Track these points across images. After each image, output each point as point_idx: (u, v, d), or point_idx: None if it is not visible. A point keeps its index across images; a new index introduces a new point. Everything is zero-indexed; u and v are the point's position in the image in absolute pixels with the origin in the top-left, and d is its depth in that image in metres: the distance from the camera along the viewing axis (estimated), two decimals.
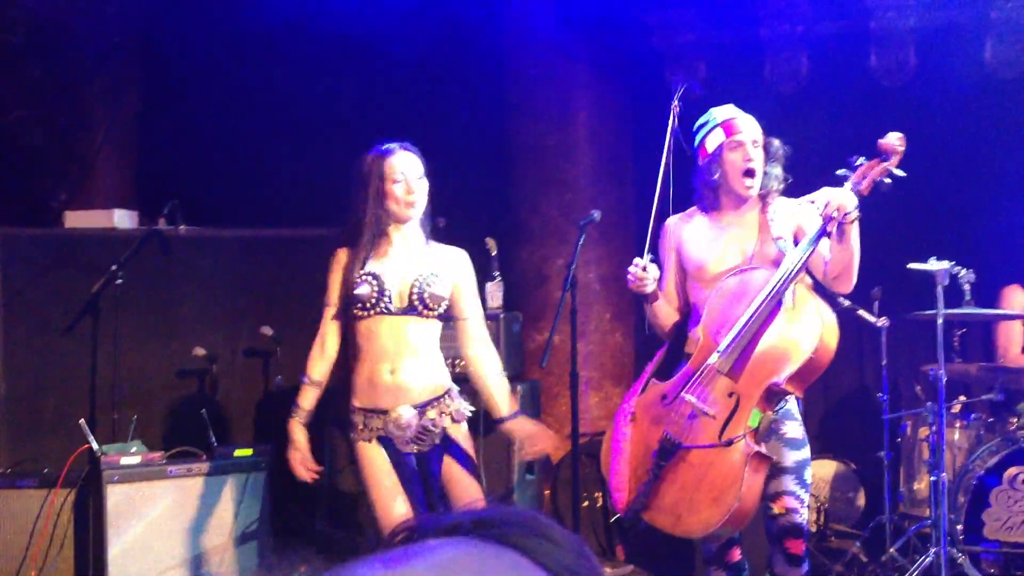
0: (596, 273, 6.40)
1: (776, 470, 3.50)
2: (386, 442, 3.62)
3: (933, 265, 4.55)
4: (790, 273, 3.40)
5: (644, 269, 3.66)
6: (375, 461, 3.62)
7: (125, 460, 4.50)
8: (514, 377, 5.10)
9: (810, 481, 3.64)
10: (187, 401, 5.25)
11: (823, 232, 3.40)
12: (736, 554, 3.72)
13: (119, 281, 4.92)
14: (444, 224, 5.29)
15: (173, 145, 7.00)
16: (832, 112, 6.11)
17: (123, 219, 5.53)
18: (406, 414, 3.59)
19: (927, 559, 4.48)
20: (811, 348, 3.36)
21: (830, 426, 6.51)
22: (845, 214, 3.34)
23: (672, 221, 3.86)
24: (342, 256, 3.68)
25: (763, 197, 3.68)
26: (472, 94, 6.33)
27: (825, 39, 6.38)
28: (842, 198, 3.35)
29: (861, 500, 5.84)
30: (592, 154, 6.46)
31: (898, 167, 3.46)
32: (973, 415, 5.20)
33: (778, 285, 3.38)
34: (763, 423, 3.39)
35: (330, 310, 3.70)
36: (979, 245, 5.72)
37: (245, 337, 5.30)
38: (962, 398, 5.28)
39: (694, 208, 3.81)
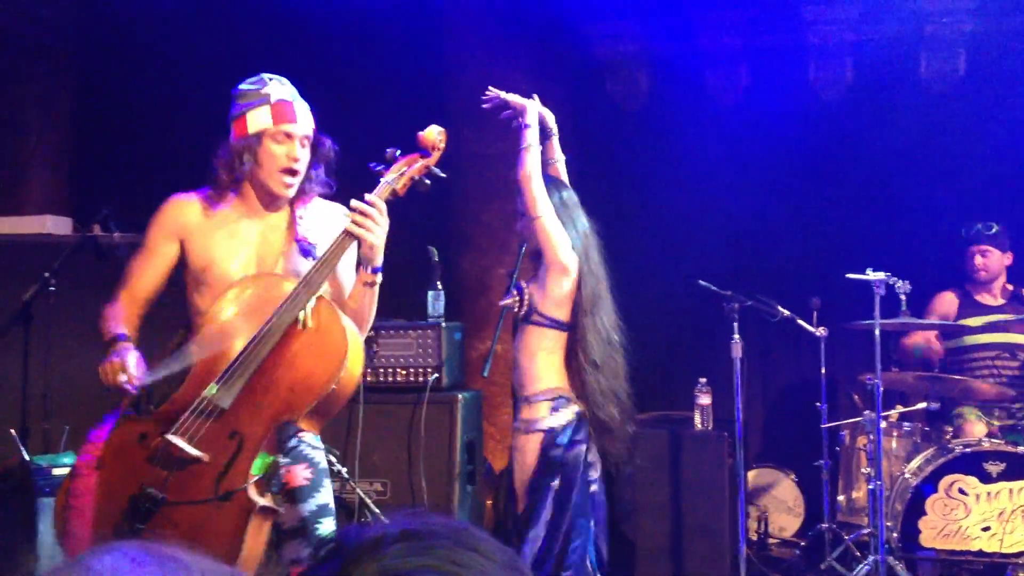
0: None
1: (282, 533, 2.85)
2: None
3: (870, 275, 4.61)
4: (306, 284, 2.79)
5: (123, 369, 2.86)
6: None
7: (57, 471, 4.39)
8: (456, 386, 5.06)
9: (327, 529, 2.90)
10: None
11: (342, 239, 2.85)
12: None
13: (52, 289, 4.81)
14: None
15: (108, 150, 6.88)
16: (771, 123, 6.17)
17: (56, 225, 5.42)
18: None
19: (865, 567, 4.53)
20: (333, 378, 2.72)
21: (770, 435, 6.57)
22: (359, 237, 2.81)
23: (178, 200, 3.13)
24: None
25: (299, 195, 3.08)
26: (414, 101, 6.29)
27: (765, 52, 6.45)
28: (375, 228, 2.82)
29: (800, 509, 5.89)
30: None
31: (438, 166, 3.01)
32: (910, 424, 5.27)
33: (294, 298, 2.77)
34: (270, 469, 2.73)
35: None
36: (915, 255, 5.82)
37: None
38: (899, 407, 5.35)
39: (207, 189, 3.12)
